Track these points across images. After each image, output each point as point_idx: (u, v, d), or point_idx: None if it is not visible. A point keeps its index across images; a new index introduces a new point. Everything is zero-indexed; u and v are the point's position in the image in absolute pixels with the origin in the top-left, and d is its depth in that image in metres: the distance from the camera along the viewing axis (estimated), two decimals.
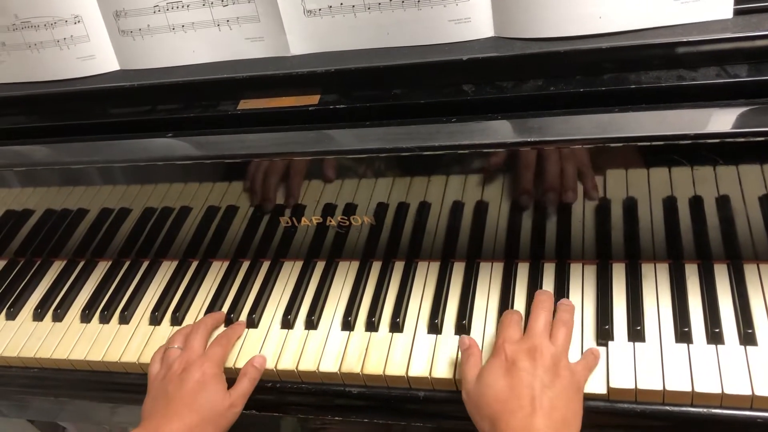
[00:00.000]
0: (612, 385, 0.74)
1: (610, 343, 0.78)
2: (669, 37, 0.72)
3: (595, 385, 0.75)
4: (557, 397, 0.68)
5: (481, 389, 0.72)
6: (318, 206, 0.89)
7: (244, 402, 0.82)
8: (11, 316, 1.01)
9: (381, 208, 0.88)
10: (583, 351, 0.77)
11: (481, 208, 0.84)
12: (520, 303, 0.85)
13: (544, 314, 0.76)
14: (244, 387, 0.82)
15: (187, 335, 0.86)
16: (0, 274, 1.08)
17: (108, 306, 0.97)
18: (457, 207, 0.85)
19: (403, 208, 0.87)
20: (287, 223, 0.92)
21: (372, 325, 0.86)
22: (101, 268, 1.05)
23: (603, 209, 0.81)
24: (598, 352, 0.77)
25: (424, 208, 0.87)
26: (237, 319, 0.92)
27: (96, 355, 0.91)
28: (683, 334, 0.76)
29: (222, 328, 0.91)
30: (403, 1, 0.78)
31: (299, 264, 0.97)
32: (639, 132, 0.71)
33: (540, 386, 0.69)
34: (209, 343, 0.86)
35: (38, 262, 1.08)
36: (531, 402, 0.68)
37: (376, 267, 0.94)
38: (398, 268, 0.93)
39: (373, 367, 0.82)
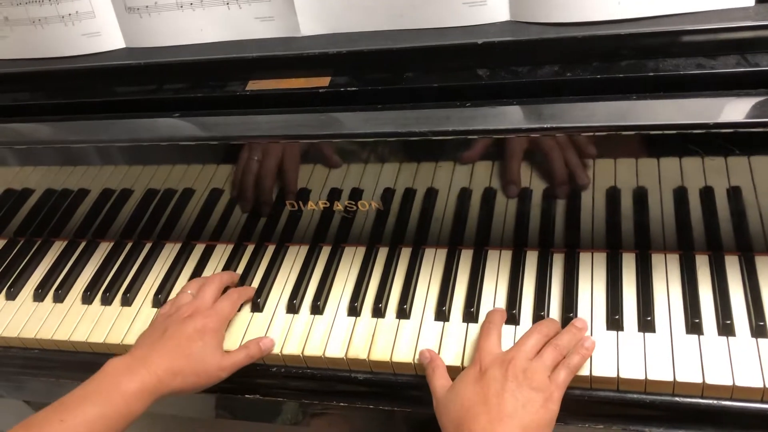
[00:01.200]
0: (622, 375, 0.73)
1: (619, 333, 0.77)
2: (689, 24, 0.71)
3: (605, 375, 0.74)
4: (525, 406, 0.68)
5: (450, 396, 0.72)
6: (324, 190, 0.88)
7: (233, 371, 0.81)
8: (11, 296, 0.99)
9: (388, 193, 0.86)
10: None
11: (490, 194, 0.83)
12: (528, 292, 0.84)
13: (536, 336, 0.75)
14: (239, 358, 0.81)
15: (202, 285, 0.88)
16: None
17: (110, 288, 0.96)
18: (466, 193, 0.84)
19: (410, 193, 0.86)
20: (293, 206, 0.91)
21: (379, 312, 0.85)
22: (103, 249, 1.03)
23: (614, 198, 0.80)
24: (592, 344, 0.75)
25: (432, 193, 0.85)
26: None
27: (98, 337, 0.90)
28: (694, 326, 0.76)
29: None
30: None
31: (305, 248, 0.96)
32: (656, 120, 0.70)
33: (509, 396, 0.68)
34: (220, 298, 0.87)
35: (38, 242, 1.07)
36: (497, 408, 0.67)
37: (382, 253, 0.93)
38: (405, 254, 0.92)
39: (380, 354, 0.81)
